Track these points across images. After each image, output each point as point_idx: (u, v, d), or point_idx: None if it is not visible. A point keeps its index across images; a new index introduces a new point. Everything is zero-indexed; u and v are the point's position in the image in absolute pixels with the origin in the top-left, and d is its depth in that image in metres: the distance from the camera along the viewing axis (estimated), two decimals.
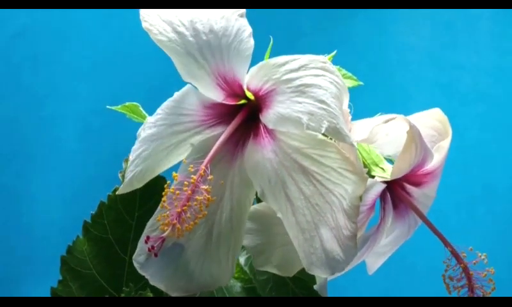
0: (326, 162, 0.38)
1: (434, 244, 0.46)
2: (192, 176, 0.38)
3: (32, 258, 1.02)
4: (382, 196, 0.47)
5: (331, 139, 0.39)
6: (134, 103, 0.51)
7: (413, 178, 0.47)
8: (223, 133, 0.41)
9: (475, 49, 1.04)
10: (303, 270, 0.43)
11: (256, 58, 0.40)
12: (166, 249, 0.41)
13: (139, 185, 0.42)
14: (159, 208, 0.40)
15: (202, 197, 0.38)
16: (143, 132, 0.42)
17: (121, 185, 0.43)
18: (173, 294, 0.41)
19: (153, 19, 0.40)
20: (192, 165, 0.39)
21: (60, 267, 0.51)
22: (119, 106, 0.51)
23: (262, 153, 0.40)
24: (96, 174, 1.00)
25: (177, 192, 0.38)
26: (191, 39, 0.39)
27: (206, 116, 0.42)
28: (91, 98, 1.05)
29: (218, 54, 0.40)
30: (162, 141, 0.41)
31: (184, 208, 0.38)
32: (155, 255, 0.40)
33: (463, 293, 0.44)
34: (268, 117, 0.39)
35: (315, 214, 0.38)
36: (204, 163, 0.39)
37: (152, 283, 0.41)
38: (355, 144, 0.37)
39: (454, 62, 1.04)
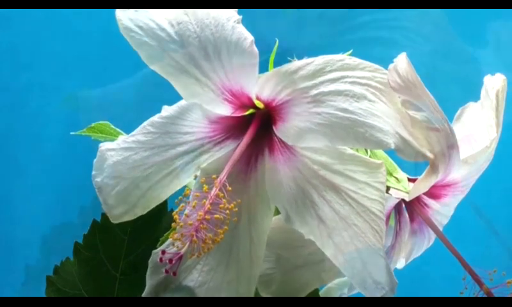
0: (360, 177, 0.36)
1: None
2: (207, 193, 0.36)
3: (11, 265, 1.01)
4: (397, 207, 0.46)
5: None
6: (102, 122, 0.49)
7: (431, 189, 0.46)
8: (232, 150, 0.39)
9: (493, 42, 1.04)
10: None
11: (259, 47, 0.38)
12: (181, 284, 0.39)
13: (143, 212, 0.40)
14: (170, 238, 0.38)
15: (222, 209, 0.36)
16: (135, 155, 0.39)
17: (115, 214, 0.41)
18: None
19: (142, 43, 0.38)
20: (206, 184, 0.37)
21: (46, 288, 0.50)
22: (84, 129, 0.49)
23: (283, 171, 0.38)
24: (81, 177, 0.99)
25: (193, 205, 0.37)
26: (188, 59, 0.37)
27: (213, 131, 0.40)
28: (76, 94, 1.04)
29: (220, 70, 0.37)
30: (166, 164, 0.39)
31: (206, 217, 0.36)
32: (174, 274, 0.38)
33: None
34: (285, 132, 0.37)
35: (354, 235, 0.36)
36: (221, 176, 0.37)
37: None
38: (393, 145, 0.35)
39: (471, 55, 1.03)
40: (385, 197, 0.36)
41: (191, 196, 0.38)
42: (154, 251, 0.40)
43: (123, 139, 0.40)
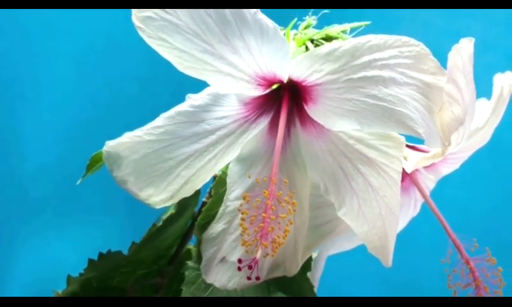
0: (392, 152, 0.40)
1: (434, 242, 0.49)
2: (264, 190, 0.39)
3: (22, 200, 1.02)
4: None
5: None
6: (95, 153, 0.49)
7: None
8: (267, 124, 0.42)
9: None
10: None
11: None
12: (229, 259, 0.43)
13: (188, 195, 0.42)
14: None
15: (284, 206, 0.39)
16: (170, 146, 0.40)
17: (155, 201, 0.42)
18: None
19: (173, 51, 0.38)
20: (257, 178, 0.40)
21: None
22: (85, 171, 0.49)
23: (317, 144, 0.41)
24: (91, 115, 1.03)
25: (254, 214, 0.39)
26: (220, 60, 0.38)
27: (247, 111, 0.43)
28: (86, 36, 1.05)
29: (253, 63, 0.39)
30: (207, 150, 0.41)
31: (270, 217, 0.38)
32: (257, 279, 0.40)
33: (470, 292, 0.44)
34: (317, 114, 0.40)
35: (383, 206, 0.40)
36: (273, 172, 0.39)
37: (219, 286, 0.43)
38: (423, 135, 0.37)
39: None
40: None
41: (249, 199, 0.40)
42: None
43: (145, 132, 0.40)
